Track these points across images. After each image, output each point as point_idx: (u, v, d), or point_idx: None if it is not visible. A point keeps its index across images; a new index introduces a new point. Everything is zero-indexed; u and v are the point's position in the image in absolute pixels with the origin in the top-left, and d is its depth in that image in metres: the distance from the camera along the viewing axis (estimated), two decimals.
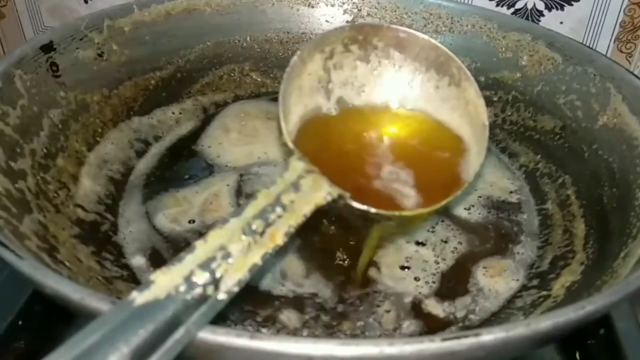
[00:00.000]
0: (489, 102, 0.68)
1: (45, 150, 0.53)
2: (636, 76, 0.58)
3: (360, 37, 0.53)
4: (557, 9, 0.77)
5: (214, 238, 0.35)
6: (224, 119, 0.70)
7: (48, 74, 0.57)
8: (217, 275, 0.34)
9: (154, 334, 0.30)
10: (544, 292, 0.51)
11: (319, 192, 0.41)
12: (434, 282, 0.52)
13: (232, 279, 0.34)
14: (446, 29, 0.72)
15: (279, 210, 0.38)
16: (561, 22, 0.78)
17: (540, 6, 0.78)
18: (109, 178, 0.60)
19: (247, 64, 0.75)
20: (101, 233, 0.55)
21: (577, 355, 0.53)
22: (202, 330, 0.32)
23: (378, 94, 0.54)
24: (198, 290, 0.33)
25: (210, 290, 0.33)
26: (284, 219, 0.38)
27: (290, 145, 0.44)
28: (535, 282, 0.53)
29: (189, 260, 0.33)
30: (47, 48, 0.57)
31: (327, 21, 0.75)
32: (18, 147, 0.50)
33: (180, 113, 0.70)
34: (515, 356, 0.37)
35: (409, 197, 0.49)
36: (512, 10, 0.79)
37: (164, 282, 0.32)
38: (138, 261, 0.53)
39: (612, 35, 0.77)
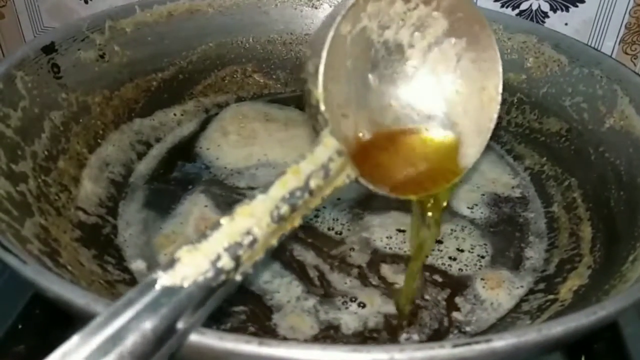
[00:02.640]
0: None
1: (46, 153, 0.53)
2: None
3: None
4: (562, 10, 0.77)
5: (241, 217, 0.34)
6: (221, 122, 0.70)
7: (49, 75, 0.56)
8: (242, 260, 0.33)
9: (175, 317, 0.30)
10: (551, 296, 0.50)
11: (342, 176, 0.40)
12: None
13: (250, 261, 0.34)
14: None
15: (306, 196, 0.37)
16: (566, 24, 0.78)
17: (545, 7, 0.77)
18: (110, 180, 0.59)
19: (250, 65, 0.74)
20: (102, 236, 0.54)
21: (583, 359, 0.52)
22: (210, 337, 0.31)
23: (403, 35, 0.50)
24: (222, 277, 0.32)
25: (232, 275, 0.33)
26: (307, 204, 0.37)
27: (326, 114, 0.41)
28: (541, 285, 0.53)
29: (216, 240, 0.33)
30: (49, 49, 0.57)
31: None
32: (19, 149, 0.50)
33: (182, 115, 0.69)
34: None
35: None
36: (516, 11, 0.78)
37: (190, 262, 0.32)
38: (138, 266, 0.52)
39: (617, 37, 0.77)
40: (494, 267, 0.54)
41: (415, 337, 0.48)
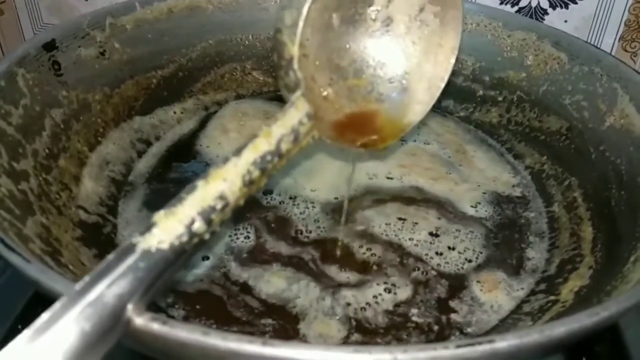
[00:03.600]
0: (493, 102, 0.70)
1: (47, 151, 0.53)
2: None
3: None
4: (561, 7, 0.77)
5: (215, 181, 0.36)
6: (221, 119, 0.70)
7: (50, 73, 0.56)
8: (213, 222, 0.36)
9: (154, 277, 0.32)
10: (552, 297, 0.50)
11: (307, 137, 0.42)
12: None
13: (219, 222, 0.36)
14: None
15: (275, 160, 0.39)
16: (565, 21, 0.78)
17: (545, 4, 0.77)
18: (110, 179, 0.59)
19: (249, 62, 0.74)
20: (103, 235, 0.54)
21: None
22: (213, 337, 0.31)
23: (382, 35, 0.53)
24: (195, 240, 0.35)
25: (203, 236, 0.35)
26: (276, 166, 0.40)
27: (299, 73, 0.43)
28: (543, 286, 0.53)
29: (191, 204, 0.35)
30: (50, 46, 0.57)
31: None
32: (20, 147, 0.50)
33: (182, 112, 0.69)
34: None
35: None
36: (516, 8, 0.78)
37: (166, 227, 0.34)
38: None
39: (616, 34, 0.77)
40: (491, 268, 0.54)
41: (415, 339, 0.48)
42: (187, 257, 0.35)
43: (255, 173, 0.38)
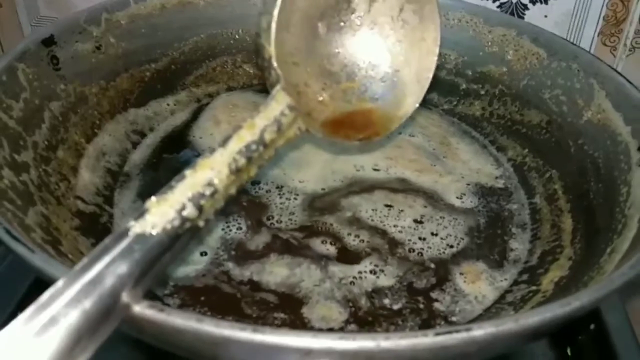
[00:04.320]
0: (476, 96, 0.71)
1: (46, 143, 0.54)
2: (619, 73, 0.59)
3: None
4: (541, 2, 0.78)
5: (203, 169, 0.39)
6: (213, 111, 0.71)
7: (49, 67, 0.57)
8: (204, 208, 0.38)
9: (149, 262, 0.34)
10: (534, 287, 0.51)
11: (293, 128, 0.45)
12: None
13: (212, 209, 0.39)
14: None
15: (261, 148, 0.42)
16: (545, 16, 0.79)
17: (525, 0, 0.79)
18: (106, 170, 0.60)
19: (240, 56, 0.75)
20: (100, 225, 0.55)
21: (568, 351, 0.54)
22: (207, 324, 0.33)
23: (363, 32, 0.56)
24: (187, 225, 0.37)
25: (196, 221, 0.37)
26: (262, 155, 0.42)
27: (278, 70, 0.46)
28: (525, 277, 0.54)
29: (181, 191, 0.37)
30: (48, 42, 0.58)
31: None
32: (21, 139, 0.51)
33: (175, 105, 0.70)
34: (509, 352, 0.38)
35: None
36: (497, 3, 0.79)
37: (158, 212, 0.36)
38: None
39: (595, 28, 0.79)
40: (473, 259, 0.55)
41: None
42: (183, 244, 0.37)
43: (242, 161, 0.40)
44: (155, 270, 0.35)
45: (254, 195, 0.60)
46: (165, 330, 0.34)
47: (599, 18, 0.78)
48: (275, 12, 0.47)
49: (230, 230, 0.56)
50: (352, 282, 0.52)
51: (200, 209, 0.37)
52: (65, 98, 0.58)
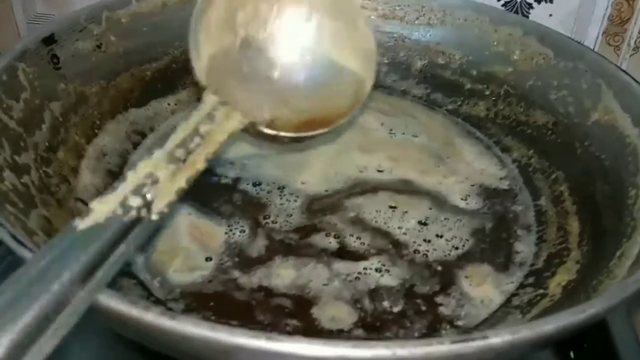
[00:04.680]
0: (481, 96, 0.70)
1: (47, 144, 0.53)
2: (627, 73, 0.59)
3: None
4: (546, 1, 0.78)
5: (142, 167, 0.40)
6: None
7: (49, 67, 0.56)
8: (149, 198, 0.38)
9: (98, 253, 0.34)
10: (541, 291, 0.51)
11: (232, 121, 0.47)
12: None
13: (162, 201, 0.39)
14: (438, 22, 0.72)
15: (197, 139, 0.43)
16: (550, 15, 0.78)
17: None
18: (107, 171, 0.59)
19: None
20: None
21: (572, 354, 0.54)
22: (219, 331, 0.33)
23: (280, 29, 0.57)
24: (133, 213, 0.37)
25: (143, 212, 0.38)
26: (203, 147, 0.43)
27: (203, 82, 0.49)
28: (531, 280, 0.53)
29: (122, 188, 0.38)
30: (49, 40, 0.57)
31: None
32: (22, 140, 0.50)
33: (176, 104, 0.69)
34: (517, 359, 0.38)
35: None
36: (502, 2, 0.79)
37: (102, 208, 0.36)
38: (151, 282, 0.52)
39: (600, 28, 0.78)
40: (479, 262, 0.55)
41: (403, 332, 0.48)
42: (136, 235, 0.37)
43: (179, 152, 0.42)
44: (109, 262, 0.35)
45: (254, 196, 0.59)
46: (174, 338, 0.33)
47: (604, 17, 0.77)
48: (192, 25, 0.53)
49: (234, 234, 0.55)
50: (357, 278, 0.52)
51: (143, 197, 0.38)
52: (65, 98, 0.57)
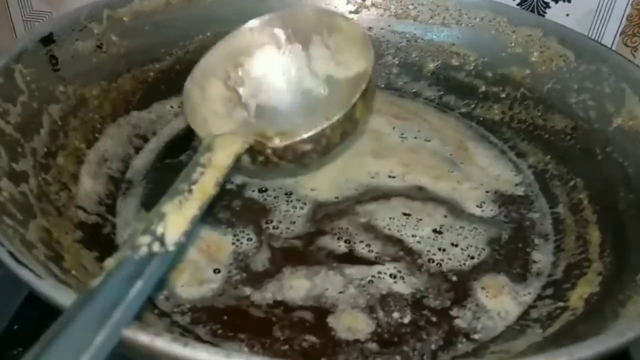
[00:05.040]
0: (496, 99, 0.69)
1: (45, 149, 0.52)
2: None
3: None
4: (564, 0, 0.76)
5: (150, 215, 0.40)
6: None
7: (47, 68, 0.55)
8: (158, 233, 0.38)
9: (111, 298, 0.33)
10: (561, 304, 0.49)
11: (235, 144, 0.48)
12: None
13: (175, 232, 0.39)
14: (453, 22, 0.71)
15: (199, 169, 0.45)
16: (567, 14, 0.77)
17: None
18: (108, 177, 0.58)
19: None
20: (103, 236, 0.53)
21: None
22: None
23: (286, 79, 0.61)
24: (144, 250, 0.37)
25: (156, 247, 0.37)
26: (208, 174, 0.44)
27: (201, 134, 0.52)
28: (549, 291, 0.52)
29: (132, 236, 0.38)
30: (47, 40, 0.56)
31: None
32: (19, 146, 0.49)
33: (179, 107, 0.67)
34: None
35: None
36: (517, 0, 0.78)
37: (115, 260, 0.36)
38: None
39: (618, 28, 0.77)
40: (494, 272, 0.53)
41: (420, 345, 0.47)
42: (153, 270, 0.37)
43: (181, 186, 0.43)
44: (127, 301, 0.34)
45: (260, 203, 0.58)
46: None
47: (623, 17, 0.76)
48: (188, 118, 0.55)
49: (241, 244, 0.53)
50: (370, 281, 0.51)
51: (153, 233, 0.38)
52: (64, 101, 0.56)
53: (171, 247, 0.38)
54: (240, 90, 0.60)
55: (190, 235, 0.40)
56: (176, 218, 0.40)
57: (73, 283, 0.43)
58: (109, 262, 0.36)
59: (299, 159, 0.52)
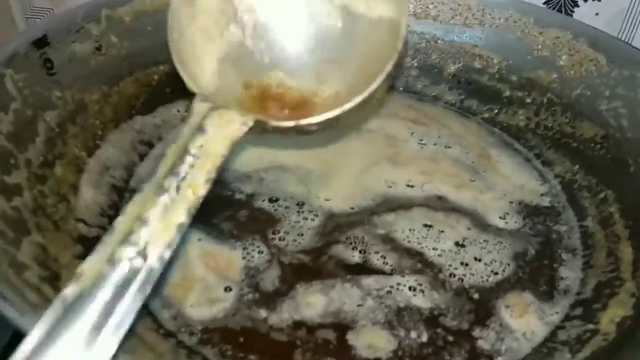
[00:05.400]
0: (521, 104, 0.67)
1: (42, 159, 0.49)
2: None
3: None
4: (594, 0, 0.74)
5: (131, 209, 0.35)
6: None
7: (42, 72, 0.53)
8: (141, 245, 0.34)
9: (91, 321, 0.31)
10: (591, 326, 0.47)
11: (232, 125, 0.40)
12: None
13: (159, 244, 0.34)
14: (476, 22, 0.69)
15: (190, 160, 0.37)
16: (597, 14, 0.74)
17: None
18: (111, 186, 0.56)
19: None
20: None
21: None
22: None
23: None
24: (124, 268, 0.33)
25: (138, 263, 0.33)
26: (198, 168, 0.37)
27: (193, 88, 0.43)
28: (578, 311, 0.49)
29: (110, 241, 0.34)
30: (41, 43, 0.54)
31: None
32: (12, 158, 0.46)
33: (186, 111, 0.63)
34: None
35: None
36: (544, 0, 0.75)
37: (90, 270, 0.32)
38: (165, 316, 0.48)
39: None
40: (520, 289, 0.51)
41: None
42: (137, 289, 0.34)
43: (168, 181, 0.36)
44: (111, 325, 0.32)
45: (270, 214, 0.55)
46: None
47: None
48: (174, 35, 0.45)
49: (253, 257, 0.51)
50: (389, 292, 0.49)
51: (135, 245, 0.34)
52: (62, 107, 0.54)
53: (155, 264, 0.34)
54: (236, 1, 0.49)
55: (174, 250, 0.35)
56: (162, 226, 0.35)
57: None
58: (85, 270, 0.32)
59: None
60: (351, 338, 0.46)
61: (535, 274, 0.53)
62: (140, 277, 0.33)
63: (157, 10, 0.63)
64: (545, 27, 0.65)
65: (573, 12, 0.75)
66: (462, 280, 0.51)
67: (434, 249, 0.53)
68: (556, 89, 0.65)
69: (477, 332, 0.47)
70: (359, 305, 0.48)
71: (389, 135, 0.65)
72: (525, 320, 0.49)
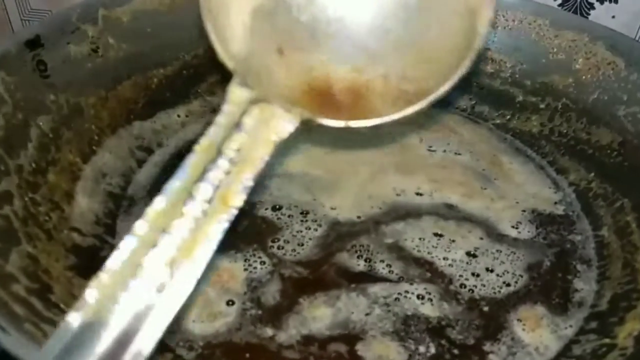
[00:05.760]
0: (534, 110, 0.66)
1: (33, 165, 0.48)
2: None
3: None
4: (610, 1, 0.72)
5: (154, 217, 0.30)
6: None
7: (35, 75, 0.52)
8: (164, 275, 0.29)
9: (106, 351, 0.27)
10: (607, 340, 0.46)
11: (276, 122, 0.33)
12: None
13: (185, 271, 0.29)
14: None
15: (224, 165, 0.31)
16: (613, 16, 0.73)
17: None
18: (107, 193, 0.55)
19: None
20: (100, 260, 0.48)
21: None
22: None
23: None
24: (142, 301, 0.28)
25: (154, 296, 0.28)
26: (234, 175, 0.31)
27: (229, 64, 0.35)
28: (593, 324, 0.48)
29: (119, 258, 0.29)
30: (34, 44, 0.53)
31: None
32: (2, 164, 0.46)
33: (187, 116, 0.65)
34: None
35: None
36: (559, 1, 0.74)
37: (99, 297, 0.28)
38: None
39: None
40: (532, 301, 0.50)
41: None
42: (152, 326, 0.29)
43: (203, 189, 0.31)
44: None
45: (272, 222, 0.54)
46: None
47: None
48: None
49: (255, 269, 0.50)
50: (397, 299, 0.49)
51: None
52: (56, 111, 0.53)
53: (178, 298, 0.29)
54: None
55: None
56: (188, 248, 0.30)
57: (59, 320, 0.39)
58: (92, 296, 0.28)
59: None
60: (361, 349, 0.45)
61: (548, 285, 0.51)
62: (159, 310, 0.28)
63: (156, 11, 0.63)
64: (561, 30, 0.64)
65: (589, 14, 0.74)
66: (473, 291, 0.50)
67: (444, 258, 0.52)
68: (571, 94, 0.63)
69: (487, 346, 0.46)
70: (367, 314, 0.47)
71: (397, 141, 0.64)
72: (537, 333, 0.48)
